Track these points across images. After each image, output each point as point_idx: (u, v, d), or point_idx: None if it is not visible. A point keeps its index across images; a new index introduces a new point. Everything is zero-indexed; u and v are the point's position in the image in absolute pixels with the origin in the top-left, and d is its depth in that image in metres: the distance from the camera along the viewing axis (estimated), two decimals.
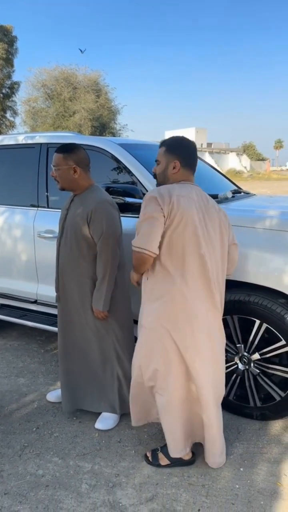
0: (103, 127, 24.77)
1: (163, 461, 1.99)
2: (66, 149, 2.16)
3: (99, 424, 2.28)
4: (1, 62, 18.92)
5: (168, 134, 29.26)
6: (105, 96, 24.98)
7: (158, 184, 1.97)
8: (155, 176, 1.99)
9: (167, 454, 1.99)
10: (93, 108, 23.49)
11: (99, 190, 2.23)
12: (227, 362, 2.31)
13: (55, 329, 2.89)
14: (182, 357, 1.84)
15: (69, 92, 23.92)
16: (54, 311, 2.97)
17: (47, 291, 2.94)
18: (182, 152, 1.90)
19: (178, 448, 1.94)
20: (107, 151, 2.72)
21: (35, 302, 3.07)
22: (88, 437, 2.22)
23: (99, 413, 2.36)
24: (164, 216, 1.74)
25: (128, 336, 2.31)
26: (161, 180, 1.95)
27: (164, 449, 2.00)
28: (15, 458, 2.05)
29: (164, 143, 1.95)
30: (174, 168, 1.89)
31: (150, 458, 2.01)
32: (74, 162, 2.14)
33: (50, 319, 3.02)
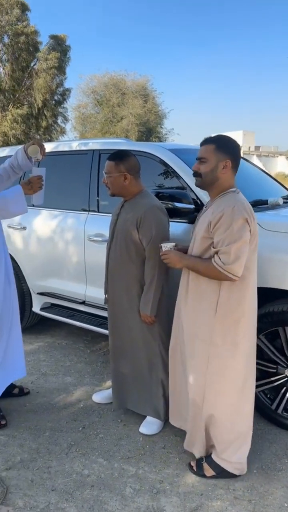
0: (149, 131, 24.98)
1: (208, 472, 1.95)
2: (118, 156, 2.20)
3: (144, 429, 2.29)
4: (54, 71, 19.65)
5: None
6: (152, 101, 25.20)
7: (202, 184, 1.87)
8: (196, 174, 1.86)
9: (212, 465, 1.95)
10: (140, 113, 23.78)
11: (149, 195, 2.25)
12: (278, 374, 2.24)
13: (101, 330, 2.95)
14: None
15: (118, 98, 24.41)
16: (101, 312, 3.03)
17: (95, 292, 3.01)
18: (233, 151, 1.82)
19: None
20: (157, 156, 2.74)
21: (83, 303, 3.15)
22: (132, 440, 2.23)
23: (144, 417, 2.37)
24: (250, 232, 1.74)
25: None
26: (208, 179, 1.83)
27: (209, 459, 1.97)
28: (62, 456, 2.11)
29: (212, 140, 1.83)
30: (224, 167, 1.80)
31: (194, 468, 1.98)
32: (125, 170, 2.17)
33: (97, 320, 3.08)
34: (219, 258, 1.72)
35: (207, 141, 1.85)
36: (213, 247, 1.77)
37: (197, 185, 1.91)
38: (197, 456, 2.00)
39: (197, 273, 1.84)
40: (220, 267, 1.72)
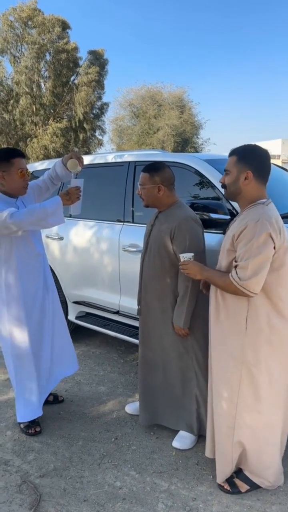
0: (185, 142, 25.04)
1: (243, 487, 1.90)
2: (152, 168, 2.21)
3: (177, 443, 2.24)
4: (94, 84, 20.24)
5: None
6: (188, 112, 25.29)
7: (228, 196, 1.87)
8: (224, 186, 1.86)
9: (245, 479, 1.90)
10: (176, 124, 23.90)
11: (183, 206, 2.24)
12: None
13: (134, 340, 2.95)
14: None
15: (154, 110, 24.70)
16: (134, 322, 3.03)
17: (129, 303, 3.02)
18: (255, 162, 1.77)
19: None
20: (192, 167, 2.73)
21: (117, 312, 3.17)
22: (165, 454, 2.20)
23: (177, 431, 2.32)
24: (275, 248, 1.67)
25: (207, 357, 2.26)
26: (232, 191, 1.81)
27: (241, 475, 1.91)
28: (94, 466, 2.11)
29: (235, 151, 1.81)
30: (246, 179, 1.76)
31: (227, 487, 1.91)
32: (159, 181, 2.18)
33: (130, 330, 3.09)
34: (236, 273, 1.69)
35: (231, 153, 1.84)
36: (235, 261, 1.73)
37: (225, 197, 1.91)
38: (221, 478, 1.93)
39: (216, 286, 1.82)
40: (236, 282, 1.68)
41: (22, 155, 2.28)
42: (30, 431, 2.36)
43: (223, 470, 1.91)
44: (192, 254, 1.94)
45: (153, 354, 2.31)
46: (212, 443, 1.98)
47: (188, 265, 1.90)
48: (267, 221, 1.65)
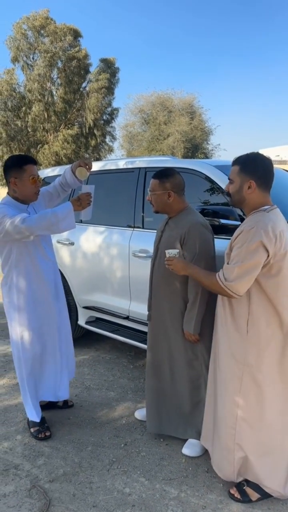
0: (195, 148, 25.07)
1: (253, 496, 1.88)
2: (162, 175, 2.23)
3: (186, 450, 2.23)
4: (104, 90, 20.44)
5: (262, 152, 28.24)
6: (199, 118, 25.33)
7: (233, 204, 1.90)
8: (228, 194, 1.90)
9: (256, 488, 1.87)
10: (186, 130, 23.96)
11: (193, 212, 2.25)
12: None
13: (144, 346, 2.94)
14: None
15: (164, 116, 24.81)
16: (144, 328, 3.03)
17: (139, 308, 3.02)
18: (257, 171, 1.80)
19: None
20: (202, 173, 2.73)
21: (127, 318, 3.17)
22: (175, 461, 2.18)
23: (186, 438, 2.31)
24: (269, 256, 1.70)
25: None
26: (236, 199, 1.85)
27: (251, 483, 1.89)
28: (103, 472, 2.11)
29: (238, 161, 1.84)
30: (249, 188, 1.80)
31: (237, 496, 1.90)
32: (169, 187, 2.20)
33: (140, 336, 3.09)
34: (223, 274, 1.76)
35: (234, 162, 1.87)
36: (227, 263, 1.80)
37: (230, 204, 1.95)
38: (221, 473, 1.94)
39: (200, 284, 1.91)
40: (221, 282, 1.76)
41: (34, 162, 2.31)
42: (40, 436, 2.37)
43: (222, 467, 1.92)
44: (177, 250, 2.01)
45: (161, 361, 2.30)
46: (208, 431, 2.03)
47: (173, 261, 1.97)
48: (262, 229, 1.68)
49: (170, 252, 1.99)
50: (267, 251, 1.68)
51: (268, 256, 1.69)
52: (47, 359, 2.43)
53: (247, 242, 1.69)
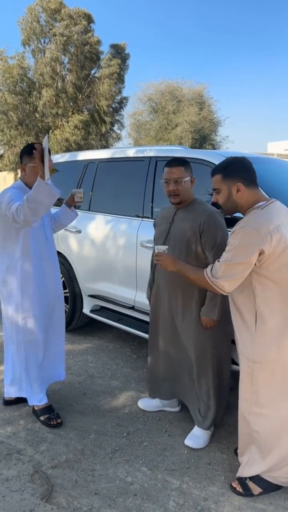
0: (203, 139, 24.79)
1: (256, 490, 1.88)
2: (185, 162, 2.21)
3: (189, 441, 2.23)
4: (116, 76, 20.17)
5: (270, 146, 27.95)
6: (208, 109, 24.98)
7: (227, 213, 1.87)
8: (214, 204, 1.88)
9: (259, 482, 1.88)
10: (195, 120, 23.65)
11: (204, 202, 2.24)
12: None
13: (148, 336, 2.94)
14: None
15: (173, 105, 24.49)
16: (148, 318, 3.01)
17: (145, 298, 3.00)
18: (240, 172, 1.78)
19: None
20: (213, 163, 2.69)
21: (132, 308, 3.16)
22: (177, 452, 2.19)
23: (189, 429, 2.31)
24: (265, 254, 1.67)
25: (226, 355, 2.26)
26: (229, 207, 1.83)
27: (255, 478, 1.89)
28: (106, 460, 2.12)
29: (217, 169, 1.82)
30: (238, 191, 1.78)
31: (239, 489, 1.90)
32: (191, 174, 2.21)
33: (144, 326, 3.08)
34: (211, 269, 1.78)
35: (214, 172, 1.85)
36: (217, 260, 1.80)
37: (224, 215, 1.97)
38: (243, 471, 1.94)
39: (187, 279, 1.91)
40: (208, 277, 1.77)
41: None
42: (51, 423, 2.38)
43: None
44: (167, 247, 2.02)
45: (167, 348, 2.35)
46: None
47: (162, 257, 1.98)
48: (255, 229, 1.66)
49: (160, 248, 1.99)
50: (261, 250, 1.66)
51: (265, 254, 1.66)
52: (45, 344, 2.43)
53: (237, 242, 1.68)
